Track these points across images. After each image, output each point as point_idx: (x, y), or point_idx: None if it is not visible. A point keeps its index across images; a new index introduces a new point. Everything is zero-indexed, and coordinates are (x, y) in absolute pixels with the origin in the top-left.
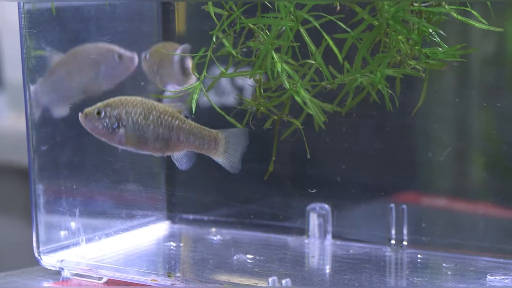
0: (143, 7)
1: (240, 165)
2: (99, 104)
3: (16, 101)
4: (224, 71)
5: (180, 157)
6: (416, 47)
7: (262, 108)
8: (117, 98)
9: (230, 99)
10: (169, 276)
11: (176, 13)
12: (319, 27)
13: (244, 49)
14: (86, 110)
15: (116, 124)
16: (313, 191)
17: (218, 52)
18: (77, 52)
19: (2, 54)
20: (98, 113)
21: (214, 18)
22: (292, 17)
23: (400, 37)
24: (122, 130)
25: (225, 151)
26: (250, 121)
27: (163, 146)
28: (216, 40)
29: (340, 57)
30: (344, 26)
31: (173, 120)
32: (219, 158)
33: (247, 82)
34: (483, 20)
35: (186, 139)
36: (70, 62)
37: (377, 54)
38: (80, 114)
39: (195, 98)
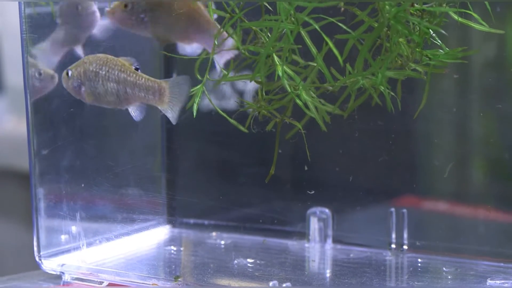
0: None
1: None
2: (72, 65)
3: (16, 105)
4: (226, 73)
5: (133, 109)
6: (417, 49)
7: (264, 111)
8: (84, 58)
9: (230, 102)
10: (176, 279)
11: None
12: (319, 30)
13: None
14: (64, 71)
15: (79, 82)
16: (311, 193)
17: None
18: None
19: (2, 57)
20: (67, 73)
21: (215, 22)
22: (292, 19)
23: (401, 39)
24: (83, 88)
25: (170, 101)
26: (252, 124)
27: (115, 100)
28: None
29: (340, 60)
30: (345, 28)
31: (120, 74)
32: (164, 107)
33: (247, 84)
34: (483, 23)
35: (132, 91)
36: None
37: (378, 57)
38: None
39: (196, 101)
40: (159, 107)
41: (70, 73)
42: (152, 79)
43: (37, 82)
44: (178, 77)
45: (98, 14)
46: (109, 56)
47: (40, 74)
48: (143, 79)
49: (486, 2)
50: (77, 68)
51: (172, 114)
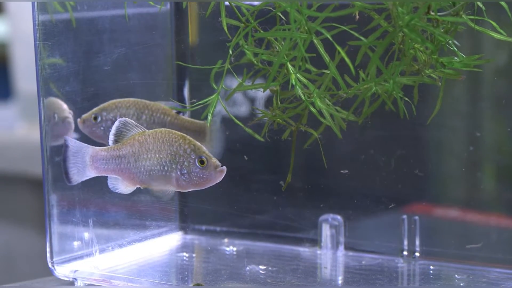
0: (157, 19)
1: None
2: (95, 109)
3: (28, 112)
4: (242, 82)
5: None
6: (433, 56)
7: (279, 119)
8: (111, 102)
9: (242, 109)
10: (198, 285)
11: (189, 25)
12: (331, 39)
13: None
14: (84, 116)
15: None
16: (321, 206)
17: (240, 60)
18: None
19: (14, 65)
20: (95, 118)
21: (227, 31)
22: (305, 28)
23: (417, 45)
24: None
25: (211, 139)
26: (266, 133)
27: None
28: (232, 52)
29: (352, 68)
30: (357, 35)
31: (165, 117)
32: (207, 145)
33: (258, 92)
34: (501, 31)
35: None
36: None
37: (391, 63)
38: (78, 120)
39: (211, 111)
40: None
41: (99, 117)
42: (196, 120)
43: (56, 126)
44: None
45: (72, 123)
46: (146, 101)
47: (54, 117)
48: (189, 121)
49: (507, 9)
50: (109, 113)
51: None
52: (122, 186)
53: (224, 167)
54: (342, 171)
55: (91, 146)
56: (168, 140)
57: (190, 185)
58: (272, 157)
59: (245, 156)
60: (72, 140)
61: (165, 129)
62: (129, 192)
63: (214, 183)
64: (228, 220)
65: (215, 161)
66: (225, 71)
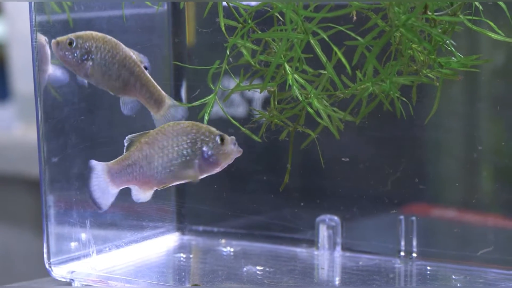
0: (154, 20)
1: None
2: (72, 34)
3: (25, 112)
4: (239, 82)
5: (128, 102)
6: (430, 56)
7: (276, 119)
8: (89, 32)
9: (239, 109)
10: (195, 286)
11: (186, 26)
12: (327, 40)
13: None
14: (59, 38)
15: (85, 56)
16: (318, 207)
17: (238, 61)
18: None
19: (11, 65)
20: (70, 43)
21: (224, 31)
22: (302, 28)
23: (414, 45)
24: (89, 63)
25: (164, 116)
26: (263, 133)
27: (121, 86)
28: (230, 53)
29: (348, 68)
30: (353, 35)
31: (135, 67)
32: (157, 117)
33: (256, 92)
34: (499, 31)
35: (140, 88)
36: None
37: (388, 63)
38: (52, 41)
39: (208, 111)
40: (153, 114)
41: (74, 42)
42: (159, 88)
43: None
44: (179, 106)
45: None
46: (120, 42)
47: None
48: (152, 83)
49: (505, 8)
50: (85, 41)
51: (158, 125)
52: (141, 194)
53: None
54: (343, 159)
55: (103, 162)
56: (181, 131)
57: (214, 166)
58: (269, 158)
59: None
60: (93, 162)
61: (170, 123)
62: (149, 198)
63: (234, 158)
64: (225, 220)
65: (227, 136)
66: (223, 72)
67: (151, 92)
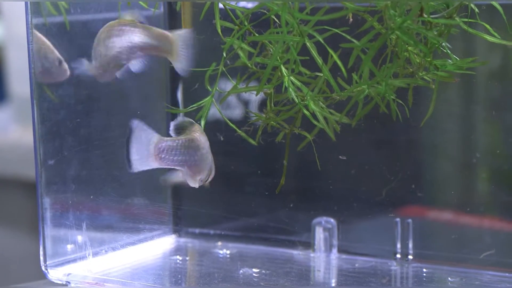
0: (150, 21)
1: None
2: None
3: (22, 114)
4: (236, 84)
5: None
6: (426, 58)
7: (272, 122)
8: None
9: (235, 111)
10: None
11: (182, 27)
12: (323, 42)
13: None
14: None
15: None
16: (314, 209)
17: (234, 64)
18: None
19: (7, 67)
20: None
21: (220, 33)
22: (298, 31)
23: (410, 48)
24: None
25: (177, 54)
26: (260, 136)
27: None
28: (226, 55)
29: (344, 70)
30: (349, 38)
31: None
32: (174, 59)
33: (252, 94)
34: (495, 34)
35: (143, 43)
36: None
37: (384, 65)
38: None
39: (204, 114)
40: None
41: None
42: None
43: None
44: (184, 31)
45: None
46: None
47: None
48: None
49: (501, 11)
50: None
51: (181, 65)
52: (190, 179)
53: None
54: (340, 157)
55: (157, 134)
56: None
57: None
58: (265, 160)
59: (221, 137)
60: (138, 123)
61: None
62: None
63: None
64: (222, 223)
65: None
66: (219, 74)
67: (157, 39)
